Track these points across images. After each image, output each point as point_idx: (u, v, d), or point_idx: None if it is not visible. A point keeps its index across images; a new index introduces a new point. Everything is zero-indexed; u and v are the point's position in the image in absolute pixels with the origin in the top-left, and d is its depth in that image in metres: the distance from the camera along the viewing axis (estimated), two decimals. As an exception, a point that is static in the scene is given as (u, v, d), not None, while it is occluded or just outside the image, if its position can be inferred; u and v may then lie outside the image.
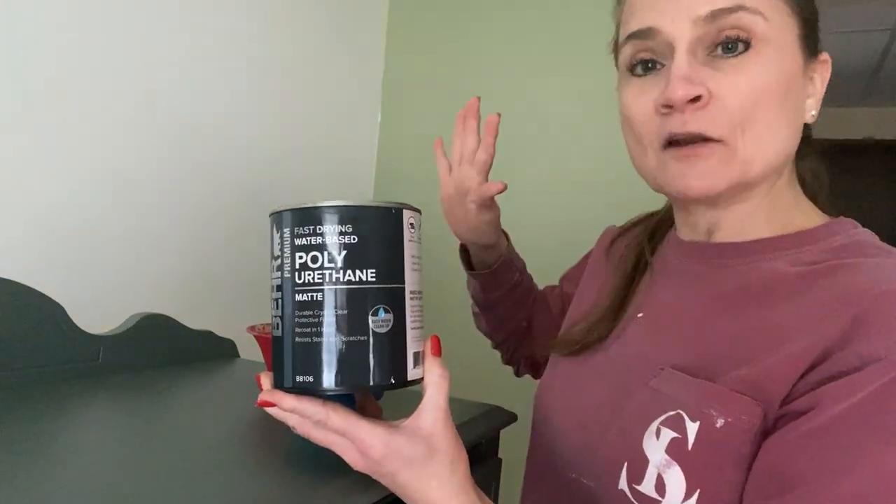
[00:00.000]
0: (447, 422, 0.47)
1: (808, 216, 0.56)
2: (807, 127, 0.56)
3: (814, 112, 0.53)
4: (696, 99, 0.49)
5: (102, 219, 1.00)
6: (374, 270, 0.44)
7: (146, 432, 0.69)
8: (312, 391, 0.44)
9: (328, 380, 0.44)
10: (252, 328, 0.96)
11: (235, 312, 1.24)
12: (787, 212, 0.56)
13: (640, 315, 0.60)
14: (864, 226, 0.55)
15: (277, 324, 0.46)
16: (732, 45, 0.48)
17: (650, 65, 0.53)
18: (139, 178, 1.06)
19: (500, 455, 0.93)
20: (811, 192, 0.59)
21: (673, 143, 0.51)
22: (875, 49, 3.06)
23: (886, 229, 0.58)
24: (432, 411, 0.47)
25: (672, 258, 0.62)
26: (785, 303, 0.49)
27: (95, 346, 0.92)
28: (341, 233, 0.44)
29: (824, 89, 0.53)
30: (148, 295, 1.08)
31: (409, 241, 0.47)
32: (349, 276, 0.44)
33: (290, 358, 0.45)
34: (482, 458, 0.88)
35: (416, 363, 0.47)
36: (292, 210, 0.45)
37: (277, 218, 0.46)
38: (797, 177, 0.58)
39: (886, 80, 3.42)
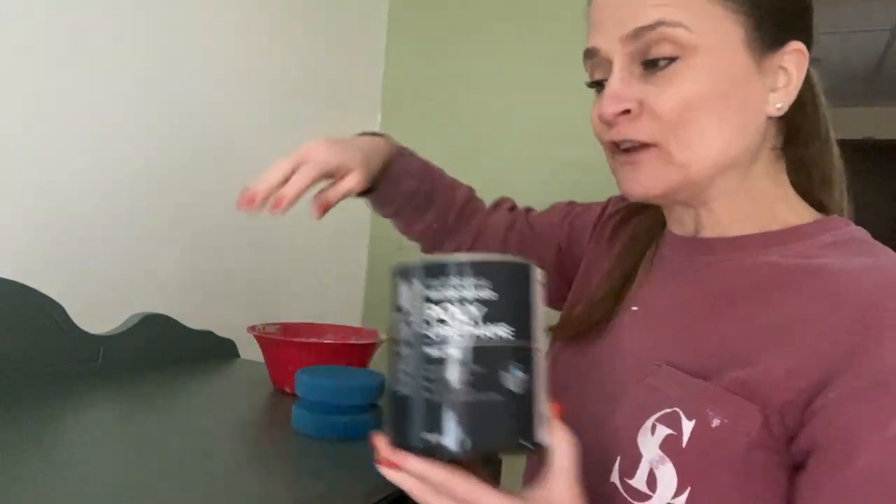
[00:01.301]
0: (577, 491, 0.45)
1: (796, 212, 0.56)
2: (801, 119, 0.56)
3: (779, 105, 0.53)
4: (627, 112, 0.52)
5: (103, 219, 1.00)
6: (507, 328, 0.42)
7: (146, 432, 0.69)
8: (440, 452, 0.42)
9: (459, 440, 0.41)
10: (252, 328, 0.96)
11: (235, 312, 1.24)
12: (772, 206, 0.56)
13: (634, 308, 0.60)
14: (863, 226, 0.55)
15: (403, 379, 0.44)
16: (662, 59, 0.51)
17: (603, 81, 0.56)
18: (139, 179, 1.06)
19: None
20: (807, 187, 0.59)
21: (621, 148, 0.55)
22: (875, 49, 3.06)
23: (887, 230, 0.58)
24: (562, 480, 0.44)
25: (667, 252, 0.62)
26: (777, 300, 0.50)
27: (95, 346, 0.92)
28: (476, 286, 0.42)
29: (801, 77, 0.53)
30: (148, 295, 1.08)
31: (539, 298, 0.45)
32: (484, 332, 0.42)
33: (417, 415, 0.42)
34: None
35: (543, 427, 0.44)
36: (424, 264, 0.43)
37: (407, 271, 0.44)
38: (792, 170, 0.59)
39: (886, 80, 3.42)
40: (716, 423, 0.47)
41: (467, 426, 0.41)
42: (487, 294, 0.42)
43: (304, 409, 0.72)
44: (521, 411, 0.42)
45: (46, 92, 0.92)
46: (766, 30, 0.52)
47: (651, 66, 0.51)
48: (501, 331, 0.42)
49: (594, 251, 0.73)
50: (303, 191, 0.68)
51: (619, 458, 0.52)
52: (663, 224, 0.68)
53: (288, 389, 0.91)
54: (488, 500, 0.43)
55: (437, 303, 0.42)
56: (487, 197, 0.87)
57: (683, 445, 0.48)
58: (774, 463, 0.47)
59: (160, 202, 1.10)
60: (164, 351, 1.03)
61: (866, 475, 0.43)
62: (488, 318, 0.42)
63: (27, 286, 0.84)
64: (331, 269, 1.55)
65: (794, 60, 0.53)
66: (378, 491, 0.64)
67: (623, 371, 0.57)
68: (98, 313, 0.97)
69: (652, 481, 0.49)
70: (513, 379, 0.42)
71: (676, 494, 0.48)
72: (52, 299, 0.87)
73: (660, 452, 0.49)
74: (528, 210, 0.85)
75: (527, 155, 1.50)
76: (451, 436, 0.41)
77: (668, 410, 0.50)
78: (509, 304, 0.43)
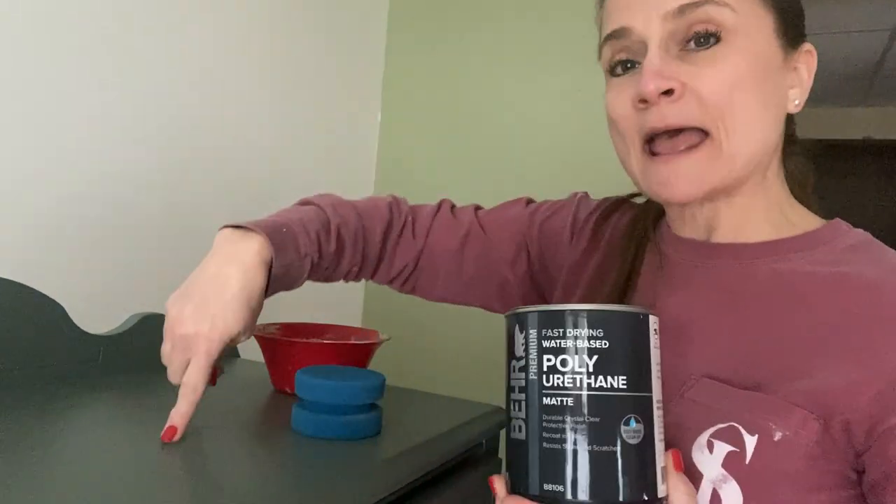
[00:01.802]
0: None
1: (803, 215, 0.56)
2: (790, 125, 0.57)
3: (797, 101, 0.53)
4: (670, 92, 0.50)
5: (102, 219, 1.00)
6: (624, 377, 0.42)
7: (146, 432, 0.69)
8: (559, 501, 0.42)
9: (579, 491, 0.41)
10: (252, 328, 0.96)
11: (235, 312, 1.24)
12: (783, 209, 0.56)
13: None
14: (864, 226, 0.55)
15: (521, 426, 0.44)
16: (703, 39, 0.49)
17: (628, 64, 0.54)
18: (139, 179, 1.06)
19: (500, 455, 0.93)
20: (797, 192, 0.59)
21: (654, 151, 0.52)
22: (875, 49, 3.06)
23: (887, 229, 0.58)
24: None
25: (675, 256, 0.60)
26: (818, 309, 0.49)
27: (95, 346, 0.92)
28: (591, 337, 0.42)
29: (811, 79, 0.53)
30: (148, 295, 1.07)
31: (655, 347, 0.45)
32: (600, 381, 0.42)
33: (536, 464, 0.42)
34: (482, 459, 0.88)
35: (663, 479, 0.44)
36: (539, 311, 0.44)
37: (522, 318, 0.45)
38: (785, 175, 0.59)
39: (886, 80, 3.42)
40: (778, 436, 0.46)
41: (588, 479, 0.41)
42: (603, 344, 0.42)
43: (304, 409, 0.72)
44: (639, 464, 0.42)
45: (46, 92, 0.92)
46: (788, 26, 0.52)
47: (694, 45, 0.49)
48: (616, 381, 0.42)
49: (577, 254, 0.70)
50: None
51: None
52: (653, 219, 0.65)
53: (288, 389, 0.91)
54: None
55: (552, 351, 0.43)
56: (488, 197, 0.87)
57: (747, 462, 0.47)
58: (835, 472, 0.46)
59: (160, 202, 1.10)
60: (164, 351, 1.03)
61: None
62: (602, 368, 0.42)
63: (27, 286, 0.84)
64: (331, 269, 1.55)
65: (805, 61, 0.53)
66: (378, 491, 0.64)
67: None
68: (98, 313, 0.97)
69: (716, 501, 0.47)
70: (629, 430, 0.42)
71: None
72: (52, 299, 0.87)
73: (722, 471, 0.47)
74: (477, 209, 0.80)
75: (527, 154, 1.50)
76: (572, 488, 0.41)
77: (724, 426, 0.48)
78: (623, 353, 0.43)
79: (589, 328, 0.42)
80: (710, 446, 0.48)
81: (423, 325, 1.49)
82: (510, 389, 0.46)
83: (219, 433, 0.71)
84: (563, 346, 0.43)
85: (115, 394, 0.84)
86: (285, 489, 0.57)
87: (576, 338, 0.42)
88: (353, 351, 0.92)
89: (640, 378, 0.43)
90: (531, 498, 0.43)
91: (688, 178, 0.51)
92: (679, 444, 0.50)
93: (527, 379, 0.44)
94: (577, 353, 0.42)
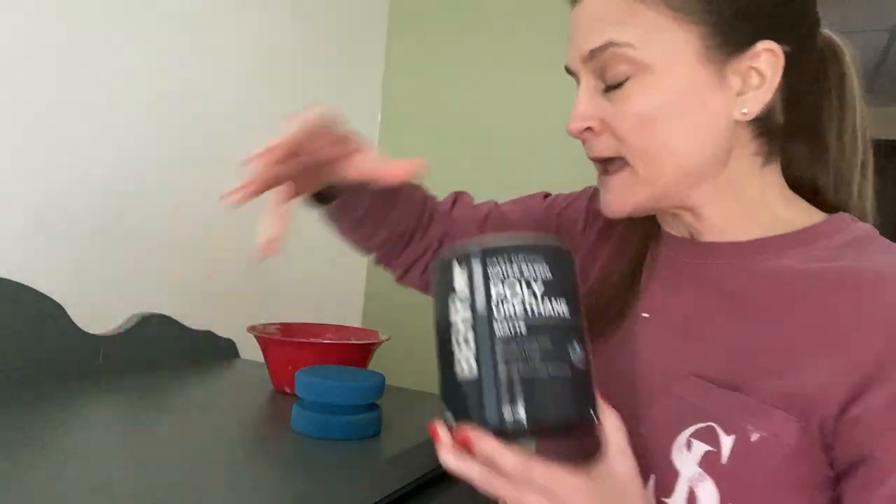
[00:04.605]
0: (635, 466, 0.45)
1: (801, 212, 0.56)
2: (797, 115, 0.55)
3: (745, 109, 0.51)
4: (591, 129, 0.54)
5: (102, 218, 1.00)
6: (567, 306, 0.43)
7: (146, 432, 0.69)
8: (516, 429, 0.41)
9: (537, 413, 0.41)
10: (252, 328, 0.96)
11: (235, 312, 1.24)
12: (772, 208, 0.55)
13: (645, 315, 0.59)
14: None
15: (469, 362, 0.43)
16: (614, 79, 0.52)
17: None
18: (139, 178, 1.06)
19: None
20: (813, 186, 0.59)
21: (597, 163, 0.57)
22: (875, 49, 3.06)
23: (888, 230, 0.58)
24: (620, 453, 0.44)
25: (668, 253, 0.61)
26: (804, 308, 0.49)
27: (95, 346, 0.92)
28: (536, 266, 0.43)
29: (777, 76, 0.51)
30: (148, 295, 1.08)
31: (577, 276, 0.46)
32: (549, 309, 0.42)
33: (492, 394, 0.42)
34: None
35: (598, 405, 0.44)
36: (485, 245, 0.44)
37: (465, 253, 0.44)
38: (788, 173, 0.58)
39: (886, 81, 3.42)
40: (755, 437, 0.47)
41: (542, 399, 0.41)
42: (545, 271, 0.43)
43: (304, 409, 0.72)
44: (585, 387, 0.43)
45: (46, 92, 0.92)
46: (726, 35, 0.51)
47: (610, 84, 0.52)
48: (561, 308, 0.43)
49: (588, 244, 0.71)
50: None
51: (653, 477, 0.50)
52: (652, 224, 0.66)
53: (288, 389, 0.91)
54: (564, 479, 0.42)
55: (501, 282, 0.43)
56: (489, 197, 0.87)
57: (724, 462, 0.47)
58: (813, 473, 0.47)
59: (160, 202, 1.10)
60: (164, 351, 1.03)
61: None
62: (549, 295, 0.43)
63: (27, 286, 0.84)
64: (331, 269, 1.55)
65: (766, 60, 0.51)
66: (378, 491, 0.64)
67: (646, 382, 0.55)
68: (98, 313, 0.97)
69: (692, 500, 0.48)
70: (575, 355, 0.43)
71: None
72: (52, 299, 0.87)
73: (699, 470, 0.48)
74: (495, 203, 0.82)
75: (527, 154, 1.50)
76: (527, 409, 0.41)
77: (703, 425, 0.49)
78: (564, 282, 0.44)
79: (533, 258, 0.43)
80: (689, 445, 0.49)
81: (423, 326, 1.48)
82: (449, 326, 0.44)
83: (219, 433, 0.71)
84: (510, 275, 0.43)
85: (114, 394, 0.84)
86: (285, 489, 0.57)
87: (521, 268, 0.43)
88: (353, 351, 0.92)
89: (577, 308, 0.44)
90: (489, 428, 0.42)
91: (614, 196, 0.55)
92: (661, 442, 0.50)
93: (475, 313, 0.43)
94: (524, 282, 0.43)
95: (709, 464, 0.48)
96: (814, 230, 0.53)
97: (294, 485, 0.58)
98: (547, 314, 0.42)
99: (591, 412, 0.43)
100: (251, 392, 0.91)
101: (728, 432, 0.47)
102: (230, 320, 1.19)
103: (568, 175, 1.44)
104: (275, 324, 1.03)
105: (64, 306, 0.88)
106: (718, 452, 0.47)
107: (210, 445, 0.66)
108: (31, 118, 0.90)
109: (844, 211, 0.56)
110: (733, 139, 0.53)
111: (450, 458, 0.44)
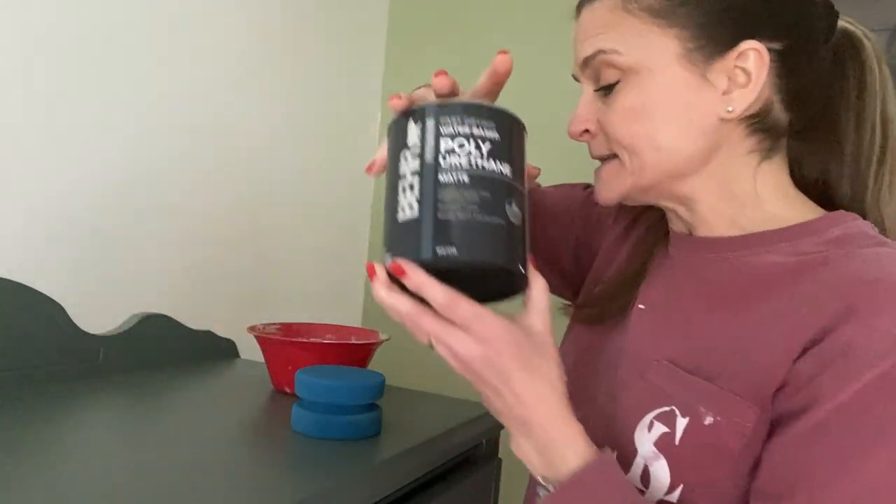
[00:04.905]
0: (552, 330, 0.49)
1: (797, 209, 0.56)
2: (803, 113, 0.56)
3: (730, 108, 0.53)
4: (587, 131, 0.58)
5: (102, 218, 1.00)
6: (509, 167, 0.47)
7: (146, 432, 0.69)
8: (448, 265, 0.45)
9: (468, 250, 0.44)
10: (252, 328, 0.96)
11: (235, 312, 1.24)
12: (763, 205, 0.56)
13: (641, 306, 0.61)
14: None
15: (411, 206, 0.46)
16: (606, 83, 0.55)
17: None
18: (139, 179, 1.06)
19: (500, 455, 0.93)
20: (817, 184, 0.59)
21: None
22: (875, 49, 3.06)
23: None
24: (542, 313, 0.48)
25: (672, 250, 0.63)
26: (777, 296, 0.51)
27: (95, 346, 0.92)
28: (485, 126, 0.47)
29: (761, 75, 0.52)
30: (148, 295, 1.08)
31: (526, 155, 0.50)
32: (492, 165, 0.46)
33: (429, 233, 0.45)
34: (482, 459, 0.89)
35: (529, 266, 0.48)
36: (439, 103, 0.48)
37: (420, 111, 0.48)
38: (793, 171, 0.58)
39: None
40: (708, 420, 0.49)
41: (476, 240, 0.45)
42: (493, 134, 0.47)
43: (304, 409, 0.72)
44: (519, 240, 0.47)
45: (47, 92, 0.92)
46: (708, 37, 0.52)
47: (604, 89, 0.56)
48: (504, 168, 0.47)
49: (614, 236, 0.74)
50: None
51: (615, 454, 0.52)
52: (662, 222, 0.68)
53: (288, 389, 0.91)
54: (486, 315, 0.45)
55: (450, 136, 0.47)
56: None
57: (676, 443, 0.50)
58: None
59: (160, 202, 1.10)
60: (164, 351, 1.03)
61: (820, 426, 0.44)
62: (493, 155, 0.47)
63: (27, 286, 0.84)
64: (331, 269, 1.55)
65: (751, 59, 0.52)
66: (378, 491, 0.64)
67: (626, 367, 0.58)
68: (98, 313, 0.97)
69: (646, 477, 0.51)
70: (511, 211, 0.46)
71: (669, 491, 0.50)
72: (52, 299, 0.87)
73: (654, 449, 0.51)
74: (538, 183, 0.86)
75: (527, 155, 1.50)
76: (458, 248, 0.44)
77: (667, 409, 0.51)
78: (510, 147, 0.48)
79: (483, 119, 0.47)
80: (651, 426, 0.52)
81: (423, 325, 1.48)
82: (398, 178, 0.48)
83: (219, 433, 0.71)
84: (460, 131, 0.47)
85: (114, 394, 0.84)
86: (285, 489, 0.57)
87: (470, 126, 0.47)
88: (353, 351, 0.92)
89: (519, 171, 0.48)
90: (422, 263, 0.45)
91: (603, 185, 0.59)
92: (629, 421, 0.53)
93: (422, 162, 0.47)
94: (472, 139, 0.47)
95: (664, 444, 0.51)
96: (806, 226, 0.54)
97: (294, 485, 0.58)
98: (490, 170, 0.46)
99: (521, 268, 0.47)
100: (251, 392, 0.91)
101: (683, 415, 0.50)
102: (230, 320, 1.19)
103: (567, 176, 1.44)
104: (275, 324, 1.03)
105: (64, 306, 0.88)
106: (673, 434, 0.50)
107: (210, 445, 0.67)
108: (31, 118, 0.90)
109: (860, 206, 0.57)
110: (721, 137, 0.55)
111: (383, 292, 0.47)
